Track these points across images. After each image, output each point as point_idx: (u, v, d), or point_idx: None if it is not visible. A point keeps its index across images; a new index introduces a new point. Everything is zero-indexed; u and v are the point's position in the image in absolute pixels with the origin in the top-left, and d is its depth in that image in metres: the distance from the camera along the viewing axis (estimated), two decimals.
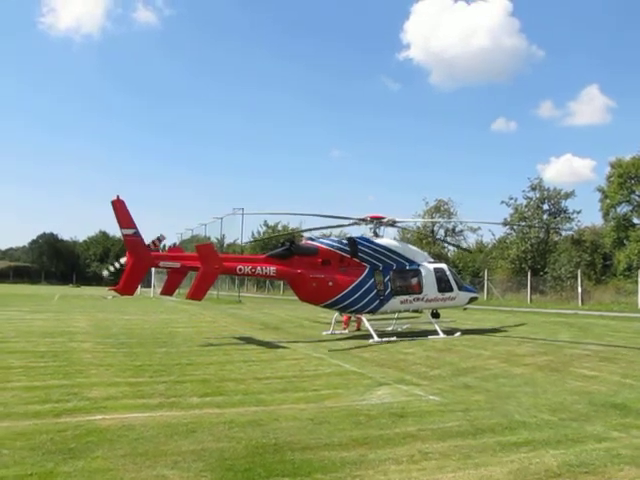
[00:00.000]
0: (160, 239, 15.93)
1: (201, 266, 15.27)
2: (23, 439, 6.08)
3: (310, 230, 23.59)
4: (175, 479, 4.99)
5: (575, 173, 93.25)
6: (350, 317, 18.74)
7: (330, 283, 16.46)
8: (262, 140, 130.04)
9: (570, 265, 41.70)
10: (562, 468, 5.42)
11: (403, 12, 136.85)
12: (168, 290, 17.12)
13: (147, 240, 16.36)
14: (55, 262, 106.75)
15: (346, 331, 18.45)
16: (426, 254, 20.19)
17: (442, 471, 5.29)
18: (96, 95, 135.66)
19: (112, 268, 17.59)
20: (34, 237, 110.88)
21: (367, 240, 17.51)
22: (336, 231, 40.45)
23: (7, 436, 6.20)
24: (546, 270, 43.69)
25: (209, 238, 51.10)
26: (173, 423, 6.82)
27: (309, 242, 17.84)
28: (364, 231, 18.58)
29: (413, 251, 19.02)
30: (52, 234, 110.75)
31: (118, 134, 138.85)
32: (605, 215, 41.87)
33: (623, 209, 40.90)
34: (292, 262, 16.42)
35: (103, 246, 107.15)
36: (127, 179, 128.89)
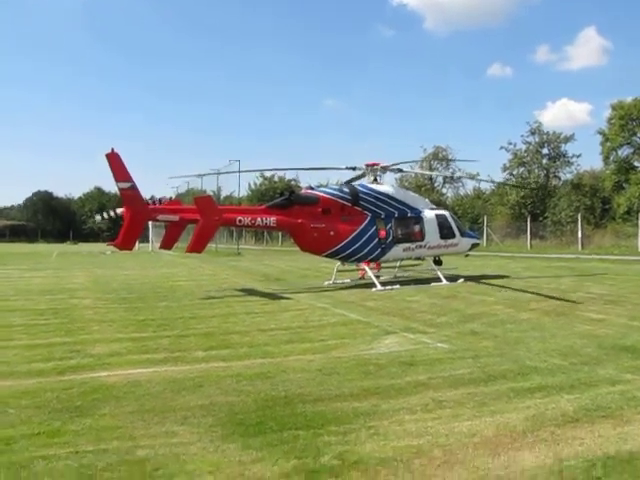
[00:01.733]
0: (161, 200, 15.67)
1: (200, 218, 15.04)
2: (28, 398, 5.96)
3: (307, 169, 23.20)
4: (185, 435, 4.87)
5: (571, 117, 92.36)
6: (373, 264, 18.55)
7: (331, 232, 16.27)
8: (255, 95, 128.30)
9: (570, 209, 41.52)
10: (579, 412, 5.32)
11: None
12: (167, 244, 16.89)
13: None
14: (51, 220, 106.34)
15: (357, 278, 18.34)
16: (427, 201, 19.97)
17: (458, 419, 5.18)
18: (85, 55, 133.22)
19: (105, 215, 17.26)
20: (28, 195, 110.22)
21: (368, 187, 17.23)
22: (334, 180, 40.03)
23: (12, 395, 6.07)
24: (546, 215, 43.53)
25: (205, 191, 50.67)
26: (179, 378, 6.71)
27: (309, 191, 17.55)
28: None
29: (414, 198, 18.80)
30: (47, 192, 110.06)
31: (109, 93, 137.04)
32: (606, 158, 41.46)
33: (624, 152, 40.48)
34: (292, 212, 16.18)
35: (99, 202, 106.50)
36: (120, 138, 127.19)
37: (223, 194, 51.67)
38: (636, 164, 40.44)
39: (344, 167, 18.07)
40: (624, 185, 40.03)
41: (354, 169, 17.86)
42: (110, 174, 14.48)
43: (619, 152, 40.46)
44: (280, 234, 55.44)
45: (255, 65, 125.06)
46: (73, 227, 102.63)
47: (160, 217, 15.81)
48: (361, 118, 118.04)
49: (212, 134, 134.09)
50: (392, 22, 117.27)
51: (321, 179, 58.24)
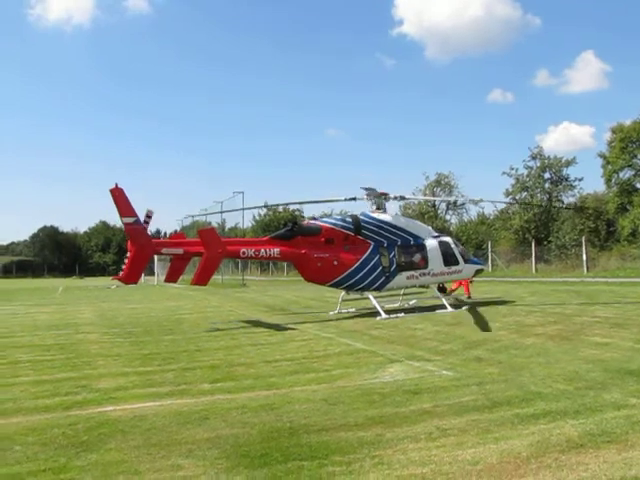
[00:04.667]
0: (149, 215, 15.59)
1: (205, 251, 15.15)
2: (34, 434, 5.99)
3: (311, 202, 23.37)
4: (191, 468, 4.90)
5: (574, 141, 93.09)
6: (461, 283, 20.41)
7: (335, 262, 16.33)
8: (259, 125, 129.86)
9: (574, 233, 41.51)
10: (584, 438, 5.32)
11: None
12: (172, 277, 17.01)
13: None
14: (57, 255, 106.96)
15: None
16: (430, 228, 20.03)
17: (462, 447, 5.18)
18: (90, 86, 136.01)
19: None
20: (35, 231, 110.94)
21: (370, 217, 17.34)
22: (337, 210, 40.18)
23: (18, 431, 6.11)
24: (550, 239, 43.50)
25: (210, 223, 50.95)
26: (185, 411, 6.73)
27: (312, 222, 17.69)
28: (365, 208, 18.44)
29: (417, 226, 18.87)
30: (53, 227, 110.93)
31: (113, 124, 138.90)
32: (607, 181, 41.48)
33: (626, 174, 40.51)
34: (296, 242, 16.29)
35: (105, 236, 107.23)
36: (125, 168, 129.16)
37: (228, 225, 52.00)
38: (638, 186, 40.48)
39: (343, 198, 18.24)
40: (627, 207, 40.05)
41: (354, 199, 18.00)
42: (114, 208, 14.68)
43: (620, 174, 40.55)
44: (285, 264, 55.55)
45: (258, 94, 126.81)
46: (79, 261, 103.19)
47: (165, 251, 15.94)
48: (363, 147, 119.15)
49: (217, 163, 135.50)
50: (393, 51, 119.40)
51: (325, 209, 58.56)
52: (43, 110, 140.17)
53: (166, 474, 4.79)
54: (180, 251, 15.75)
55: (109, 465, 5.04)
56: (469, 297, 20.75)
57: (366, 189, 17.50)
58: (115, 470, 4.91)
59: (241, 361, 10.03)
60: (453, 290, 20.91)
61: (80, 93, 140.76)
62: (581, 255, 37.46)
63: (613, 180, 40.89)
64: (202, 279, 15.63)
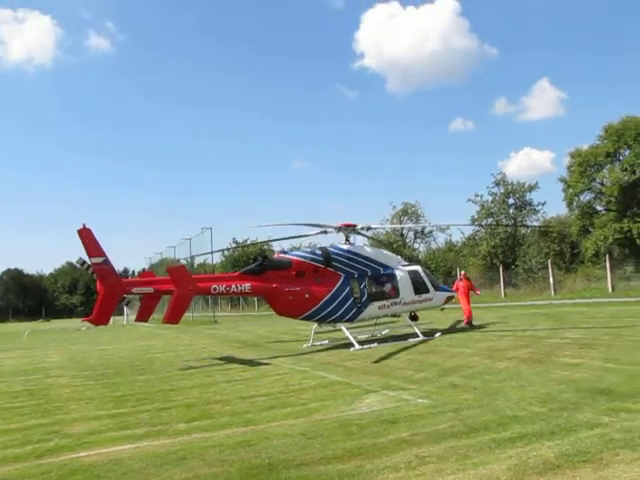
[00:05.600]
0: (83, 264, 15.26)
1: (175, 289, 15.04)
2: None
3: (280, 240, 23.53)
4: None
5: (535, 166, 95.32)
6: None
7: (306, 295, 16.34)
8: (226, 159, 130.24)
9: (540, 256, 42.25)
10: (560, 459, 5.40)
11: (353, 22, 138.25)
12: (143, 316, 16.80)
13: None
14: (22, 298, 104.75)
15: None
16: (399, 258, 20.22)
17: (441, 474, 5.22)
18: (52, 125, 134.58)
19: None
20: None
21: (339, 248, 17.44)
22: (306, 242, 40.26)
23: None
24: (517, 263, 44.19)
25: (178, 260, 50.63)
26: (162, 452, 6.62)
27: (281, 255, 17.70)
28: (333, 240, 18.58)
29: (386, 256, 19.01)
30: (17, 269, 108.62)
31: (76, 163, 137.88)
32: (569, 204, 42.43)
33: (586, 197, 41.53)
34: (266, 277, 16.27)
35: (71, 277, 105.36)
36: (89, 208, 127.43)
37: (197, 262, 51.62)
38: (599, 208, 41.54)
39: (314, 233, 18.36)
40: (589, 229, 40.97)
41: (325, 233, 18.12)
42: (82, 249, 14.53)
43: (581, 197, 41.55)
44: (256, 299, 55.28)
45: (224, 127, 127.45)
46: (45, 304, 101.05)
47: (135, 290, 15.75)
48: (329, 178, 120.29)
49: (183, 198, 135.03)
50: (355, 84, 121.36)
51: (294, 242, 58.57)
52: (4, 150, 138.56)
53: None
54: (150, 290, 15.59)
55: None
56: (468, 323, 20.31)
57: (333, 227, 17.70)
58: None
59: (216, 398, 9.92)
60: (469, 318, 20.36)
61: (42, 133, 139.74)
62: (548, 278, 38.12)
63: (574, 203, 41.85)
64: (173, 317, 15.47)
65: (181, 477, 5.67)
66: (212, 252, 34.81)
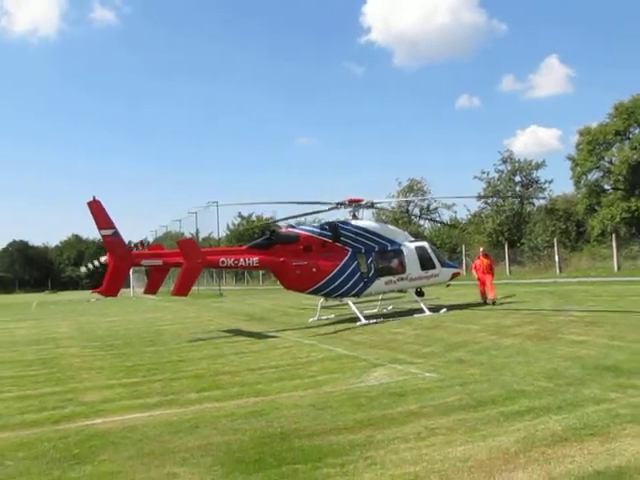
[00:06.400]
0: (142, 243, 15.74)
1: (184, 261, 15.13)
2: (25, 449, 5.98)
3: (287, 219, 23.55)
4: (187, 476, 4.95)
5: (542, 144, 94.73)
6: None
7: (314, 269, 16.42)
8: (229, 134, 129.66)
9: (546, 234, 42.17)
10: (567, 432, 5.49)
11: None
12: (151, 288, 16.93)
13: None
14: (28, 269, 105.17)
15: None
16: (406, 233, 20.27)
17: (451, 445, 5.32)
18: (58, 98, 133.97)
19: (91, 266, 17.21)
20: (4, 245, 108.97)
21: (347, 223, 17.49)
22: (311, 218, 40.21)
23: (7, 447, 6.09)
24: (522, 241, 44.13)
25: (183, 234, 50.75)
26: (175, 420, 6.76)
27: (290, 229, 17.78)
28: (340, 216, 18.62)
29: (393, 231, 19.06)
30: (22, 241, 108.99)
31: (81, 136, 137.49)
32: (576, 183, 42.22)
33: (594, 175, 41.30)
34: (274, 251, 16.33)
35: (77, 249, 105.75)
36: (95, 181, 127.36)
37: (201, 236, 51.73)
38: (606, 187, 41.32)
39: (327, 209, 18.41)
40: (596, 208, 40.83)
41: (337, 207, 18.16)
42: (90, 221, 14.61)
43: (589, 176, 41.32)
44: (260, 273, 55.45)
45: (229, 104, 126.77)
46: (51, 276, 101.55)
47: (144, 262, 15.86)
48: (335, 154, 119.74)
49: (189, 172, 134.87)
50: (361, 59, 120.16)
51: (299, 217, 58.51)
52: (10, 123, 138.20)
53: None
54: (159, 262, 15.69)
55: (104, 476, 5.07)
56: (488, 300, 19.47)
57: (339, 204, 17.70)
58: None
59: (226, 370, 10.07)
60: (492, 297, 19.34)
61: (47, 105, 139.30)
62: (553, 256, 38.12)
63: (582, 182, 41.65)
64: (183, 289, 15.59)
65: (195, 444, 5.79)
66: (216, 222, 34.80)
